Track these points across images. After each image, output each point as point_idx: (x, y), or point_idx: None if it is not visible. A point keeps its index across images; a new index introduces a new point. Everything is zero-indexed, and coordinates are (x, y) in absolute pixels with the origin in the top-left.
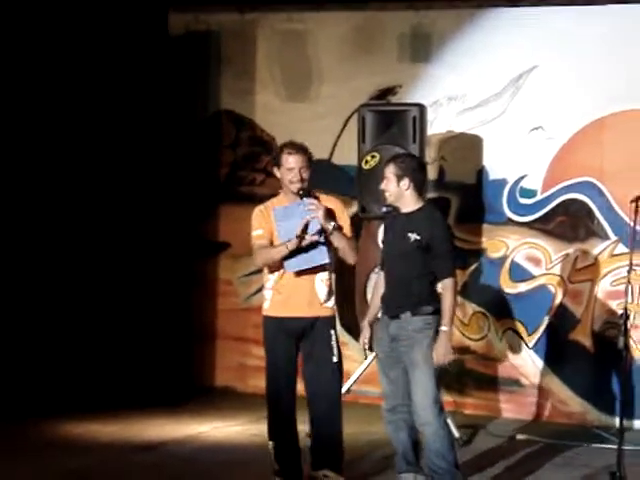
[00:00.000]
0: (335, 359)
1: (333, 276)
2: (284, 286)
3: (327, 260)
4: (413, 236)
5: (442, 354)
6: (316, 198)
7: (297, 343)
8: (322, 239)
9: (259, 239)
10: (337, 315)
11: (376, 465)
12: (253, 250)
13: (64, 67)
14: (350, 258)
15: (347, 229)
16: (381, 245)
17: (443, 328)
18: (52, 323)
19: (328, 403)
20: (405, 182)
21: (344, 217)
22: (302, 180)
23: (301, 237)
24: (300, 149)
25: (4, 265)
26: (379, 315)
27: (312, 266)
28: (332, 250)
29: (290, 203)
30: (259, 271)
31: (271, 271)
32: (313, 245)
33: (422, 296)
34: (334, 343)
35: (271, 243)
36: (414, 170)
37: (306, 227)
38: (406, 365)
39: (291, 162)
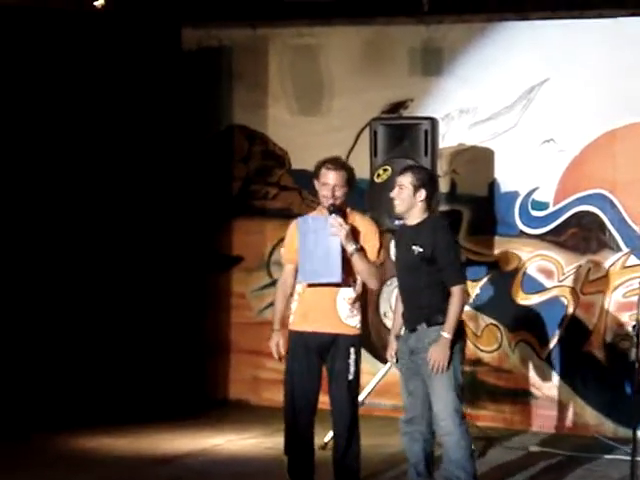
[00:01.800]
0: (350, 377)
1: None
2: (306, 300)
3: (339, 280)
4: (417, 249)
5: (436, 359)
6: (345, 216)
7: (319, 358)
8: (339, 258)
9: (285, 261)
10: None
11: (391, 478)
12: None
13: (78, 83)
14: (371, 283)
15: (372, 253)
16: (394, 260)
17: (444, 334)
18: (66, 337)
19: (344, 421)
20: (421, 193)
21: (373, 241)
22: (334, 197)
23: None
24: (340, 166)
25: (15, 285)
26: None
27: (321, 282)
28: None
29: (318, 215)
30: (272, 284)
31: (298, 282)
32: (330, 261)
33: (434, 307)
34: (352, 361)
35: (296, 263)
36: (430, 182)
37: None
38: (424, 377)
39: (327, 178)
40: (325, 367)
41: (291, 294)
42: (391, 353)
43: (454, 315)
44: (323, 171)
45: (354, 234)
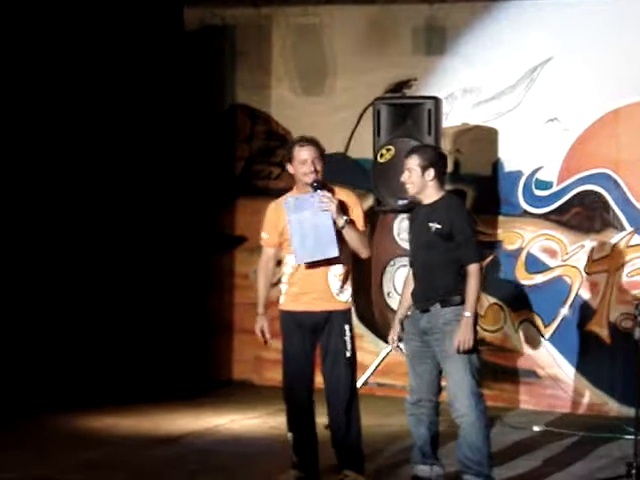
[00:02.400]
0: (348, 354)
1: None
2: (298, 280)
3: (337, 254)
4: (434, 225)
5: (462, 340)
6: (330, 191)
7: (314, 337)
8: (334, 232)
9: (265, 245)
10: (353, 308)
11: (394, 458)
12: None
13: (80, 63)
14: (362, 253)
15: (360, 223)
16: (404, 239)
17: (466, 314)
18: (71, 317)
19: (343, 399)
20: (430, 172)
21: (357, 211)
22: (316, 172)
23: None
24: (312, 142)
25: (21, 257)
26: (409, 312)
27: (322, 259)
28: (345, 244)
29: (302, 194)
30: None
31: (285, 265)
32: (324, 237)
33: (449, 286)
34: (348, 338)
35: (279, 244)
36: (437, 161)
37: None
38: (439, 358)
39: (304, 154)
40: (319, 345)
41: (278, 281)
42: (393, 337)
43: (473, 293)
44: (297, 149)
45: (341, 206)
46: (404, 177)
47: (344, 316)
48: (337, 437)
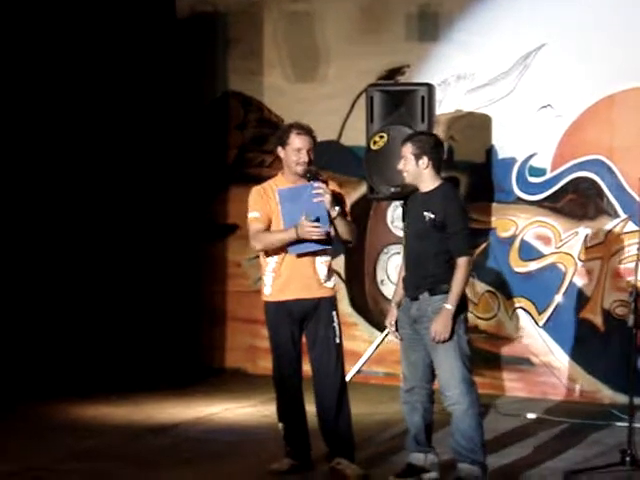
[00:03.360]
0: (337, 340)
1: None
2: (285, 270)
3: (331, 244)
4: (428, 215)
5: (438, 331)
6: (324, 181)
7: (301, 325)
8: (328, 224)
9: (256, 222)
10: (347, 296)
11: (387, 445)
12: (249, 233)
13: (71, 52)
14: (350, 240)
15: (347, 212)
16: (397, 227)
17: (447, 306)
18: (63, 306)
19: (334, 386)
20: (424, 161)
21: (344, 200)
22: (309, 162)
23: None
24: (308, 131)
25: (17, 249)
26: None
27: (316, 249)
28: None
29: (296, 184)
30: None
31: (269, 255)
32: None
33: (439, 275)
34: (336, 325)
35: (269, 225)
36: (432, 148)
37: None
38: (428, 347)
39: (299, 143)
40: (306, 334)
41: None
42: (391, 321)
43: (458, 287)
44: (293, 137)
45: (335, 197)
46: (400, 165)
47: (331, 303)
48: (328, 425)
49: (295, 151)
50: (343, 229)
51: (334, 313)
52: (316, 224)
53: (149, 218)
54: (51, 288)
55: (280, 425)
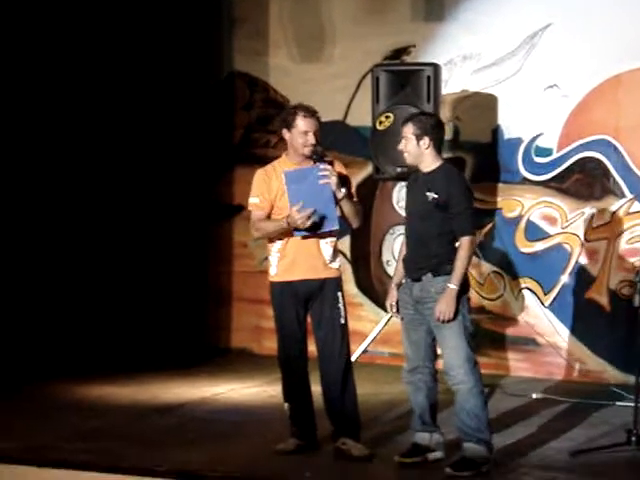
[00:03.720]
0: (342, 321)
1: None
2: (290, 250)
3: (337, 226)
4: (431, 195)
5: (443, 310)
6: (330, 163)
7: (306, 306)
8: (334, 206)
9: (256, 209)
10: (353, 276)
11: (393, 425)
12: (250, 219)
13: (73, 34)
14: (355, 223)
15: (353, 194)
16: (403, 208)
17: (451, 285)
18: (69, 287)
19: (339, 366)
20: (425, 141)
21: (350, 181)
22: (315, 144)
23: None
24: (314, 113)
25: (21, 229)
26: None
27: (322, 231)
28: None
29: (302, 166)
30: None
31: (274, 240)
32: (324, 210)
33: (442, 256)
34: (341, 305)
35: (270, 210)
36: (433, 128)
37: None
38: (432, 327)
39: (306, 125)
40: (311, 314)
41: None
42: (391, 302)
43: (462, 266)
44: (299, 119)
45: (340, 178)
46: (401, 145)
47: (337, 283)
48: (333, 405)
49: (302, 134)
50: (349, 210)
51: (339, 294)
52: (307, 211)
53: (155, 199)
54: (58, 269)
55: (286, 405)
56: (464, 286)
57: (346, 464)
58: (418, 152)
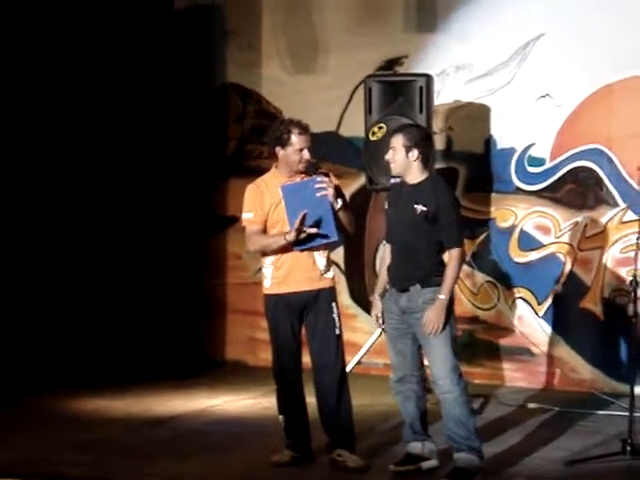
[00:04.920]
0: (337, 331)
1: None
2: (285, 262)
3: (337, 238)
4: (419, 207)
5: (432, 321)
6: (326, 175)
7: (300, 317)
8: (332, 217)
9: (250, 224)
10: (347, 287)
11: (388, 436)
12: (246, 234)
13: (68, 44)
14: (350, 230)
15: (347, 203)
16: (385, 217)
17: (441, 296)
18: (66, 300)
19: (334, 377)
20: (414, 153)
21: (343, 191)
22: (310, 159)
23: (299, 230)
24: (307, 129)
25: (19, 241)
26: (387, 287)
27: (323, 243)
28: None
29: (295, 179)
30: None
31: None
32: (323, 223)
33: (430, 267)
34: (335, 316)
35: (265, 224)
36: (422, 141)
37: (303, 218)
38: (419, 337)
39: (301, 142)
40: (305, 325)
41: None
42: (377, 313)
43: (452, 277)
44: (295, 137)
45: (337, 190)
46: (388, 155)
47: (331, 294)
48: (328, 416)
49: (297, 151)
50: (346, 220)
51: (334, 304)
52: (302, 227)
53: (148, 211)
54: (54, 282)
55: (280, 417)
56: (452, 297)
57: (341, 475)
58: (406, 164)
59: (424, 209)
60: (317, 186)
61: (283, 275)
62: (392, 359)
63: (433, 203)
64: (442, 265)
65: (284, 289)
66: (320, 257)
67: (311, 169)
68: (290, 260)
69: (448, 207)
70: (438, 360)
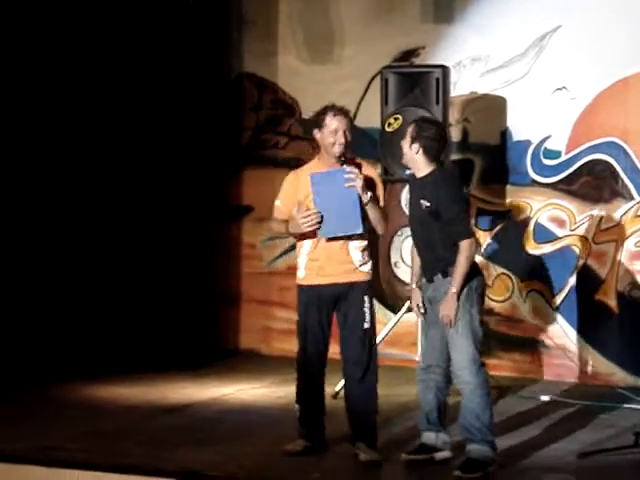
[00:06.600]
0: (366, 325)
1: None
2: (319, 254)
3: (361, 230)
4: (424, 203)
5: (445, 313)
6: (358, 166)
7: (332, 308)
8: (359, 209)
9: (277, 212)
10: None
11: (403, 427)
12: (272, 216)
13: (84, 34)
14: (380, 229)
15: (380, 199)
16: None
17: (452, 289)
18: (80, 288)
19: (359, 370)
20: (415, 146)
21: (380, 186)
22: (346, 143)
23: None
24: (344, 112)
25: (30, 230)
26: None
27: (345, 234)
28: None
29: (329, 169)
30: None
31: (304, 238)
32: (348, 213)
33: (449, 258)
34: (367, 309)
35: (287, 217)
36: (428, 136)
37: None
38: (442, 326)
39: (335, 124)
40: (337, 316)
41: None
42: (417, 303)
43: (461, 270)
44: (329, 118)
45: (366, 182)
46: (402, 142)
47: (365, 287)
48: (351, 409)
49: (332, 132)
50: (375, 216)
51: (366, 297)
52: (307, 213)
53: (164, 200)
54: (72, 271)
55: (296, 407)
56: (477, 286)
57: (354, 466)
58: (409, 155)
59: (427, 205)
60: (345, 176)
61: (317, 266)
62: (422, 347)
63: (434, 199)
64: None
65: (317, 280)
66: (355, 250)
67: (343, 159)
68: (324, 252)
69: (448, 201)
70: (458, 350)
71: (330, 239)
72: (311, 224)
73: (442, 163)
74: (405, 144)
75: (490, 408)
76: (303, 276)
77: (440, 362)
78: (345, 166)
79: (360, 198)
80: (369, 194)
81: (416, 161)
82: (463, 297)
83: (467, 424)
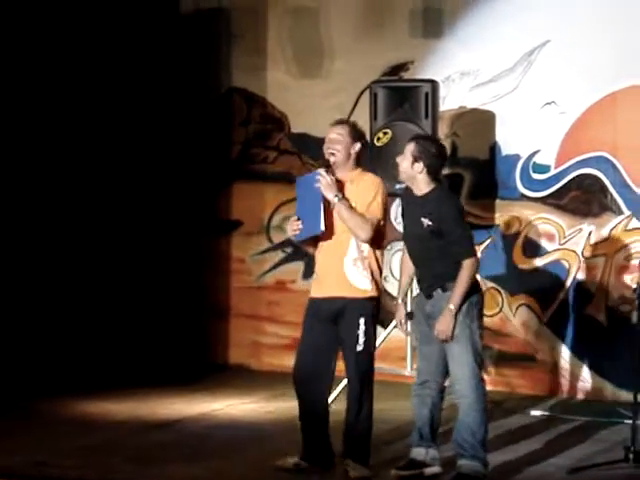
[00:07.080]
0: (359, 348)
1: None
2: (318, 266)
3: (320, 230)
4: (426, 221)
5: (441, 330)
6: (327, 167)
7: (333, 325)
8: (319, 208)
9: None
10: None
11: (392, 442)
12: None
13: (74, 47)
14: (359, 235)
15: (362, 206)
16: (401, 224)
17: (450, 306)
18: (69, 303)
19: (353, 391)
20: (419, 165)
21: (369, 196)
22: (333, 151)
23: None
24: (342, 122)
25: (20, 244)
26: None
27: (309, 236)
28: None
29: (309, 173)
30: (271, 249)
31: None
32: (314, 214)
33: (448, 274)
34: (361, 331)
35: None
36: (431, 155)
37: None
38: (441, 341)
39: (328, 132)
40: (337, 331)
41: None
42: (400, 319)
43: (461, 289)
44: (328, 130)
45: (341, 187)
46: (399, 158)
47: (361, 306)
48: (346, 426)
49: (326, 142)
50: (345, 219)
51: (362, 320)
52: (290, 220)
53: (153, 214)
54: (57, 285)
55: (299, 423)
56: (476, 302)
57: None
58: (411, 173)
59: (430, 223)
60: (316, 177)
61: (317, 279)
62: (418, 363)
63: (437, 218)
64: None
65: (315, 293)
66: (350, 264)
67: (324, 164)
68: (320, 265)
69: (451, 221)
70: (458, 364)
71: (325, 250)
72: (293, 229)
73: (440, 180)
74: (405, 162)
75: (486, 424)
76: (311, 289)
77: (436, 377)
78: (319, 169)
79: (324, 198)
80: (335, 195)
81: (418, 180)
82: (463, 312)
83: (460, 439)
